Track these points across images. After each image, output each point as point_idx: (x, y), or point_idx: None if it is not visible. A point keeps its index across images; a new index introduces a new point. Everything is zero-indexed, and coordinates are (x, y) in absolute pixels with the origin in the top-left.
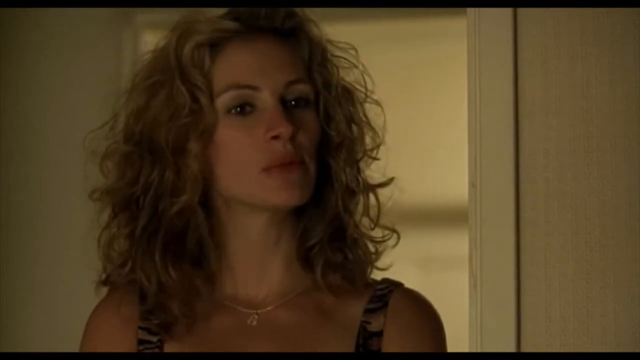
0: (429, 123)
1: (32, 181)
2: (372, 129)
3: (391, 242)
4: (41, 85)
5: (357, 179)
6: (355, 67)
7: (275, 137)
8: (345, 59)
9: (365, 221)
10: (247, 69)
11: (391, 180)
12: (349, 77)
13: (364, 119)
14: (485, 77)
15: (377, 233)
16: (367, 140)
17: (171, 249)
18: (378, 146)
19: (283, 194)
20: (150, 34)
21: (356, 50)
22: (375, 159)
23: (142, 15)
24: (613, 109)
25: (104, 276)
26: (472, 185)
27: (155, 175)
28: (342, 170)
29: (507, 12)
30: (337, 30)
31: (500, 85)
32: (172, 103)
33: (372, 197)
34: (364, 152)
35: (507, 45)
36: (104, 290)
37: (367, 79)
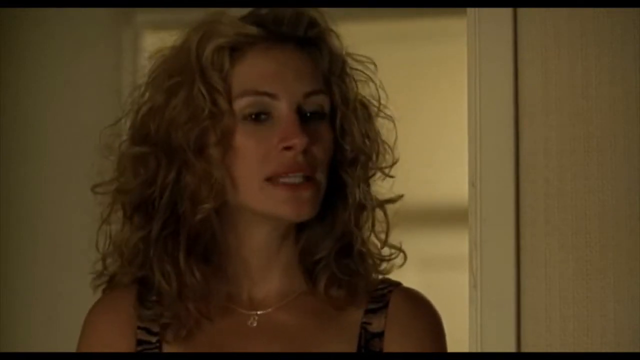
0: (429, 123)
1: (32, 181)
2: (387, 146)
3: (398, 261)
4: (41, 85)
5: (367, 195)
6: (372, 81)
7: (287, 148)
8: (362, 72)
9: (372, 237)
10: (267, 76)
11: (400, 197)
12: (365, 90)
13: (378, 135)
14: (485, 77)
15: (384, 250)
16: (380, 157)
17: (192, 251)
18: (392, 165)
19: (291, 208)
20: (150, 34)
21: (375, 65)
22: (389, 176)
23: (142, 15)
24: (613, 109)
25: (106, 274)
26: (472, 185)
27: (172, 177)
28: (357, 186)
29: (507, 12)
30: (338, 30)
31: (500, 85)
32: (191, 104)
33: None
34: (376, 169)
35: (507, 45)
36: (101, 287)
37: (382, 93)
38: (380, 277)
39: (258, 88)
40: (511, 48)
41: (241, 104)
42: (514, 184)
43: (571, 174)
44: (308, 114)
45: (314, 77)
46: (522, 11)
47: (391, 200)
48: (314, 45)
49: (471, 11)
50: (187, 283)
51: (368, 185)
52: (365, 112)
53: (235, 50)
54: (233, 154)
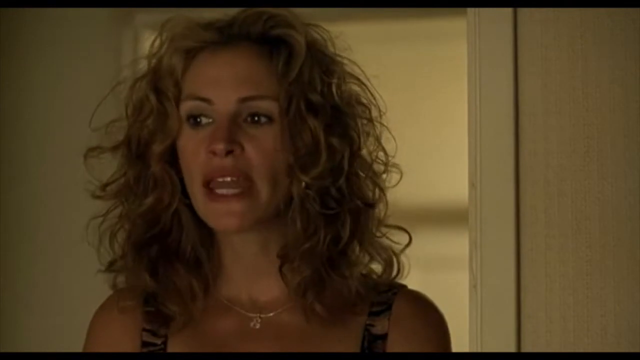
0: (429, 123)
1: (32, 181)
2: (355, 142)
3: (402, 271)
4: (41, 85)
5: (339, 200)
6: (361, 82)
7: (214, 153)
8: (352, 74)
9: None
10: (205, 81)
11: (376, 202)
12: (355, 90)
13: (355, 136)
14: (485, 77)
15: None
16: (328, 163)
17: (151, 251)
18: (338, 173)
19: (222, 221)
20: (150, 34)
21: (357, 65)
22: (336, 184)
23: (142, 15)
24: (613, 109)
25: (107, 262)
26: (472, 185)
27: (130, 176)
28: (306, 193)
29: (507, 12)
30: (338, 30)
31: (500, 85)
32: (144, 106)
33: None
34: (320, 180)
35: (507, 45)
36: (107, 277)
37: (370, 96)
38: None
39: (196, 93)
40: (511, 48)
41: (183, 108)
42: (514, 184)
43: (571, 174)
44: (251, 118)
45: (258, 81)
46: (522, 11)
47: (372, 204)
48: (274, 45)
49: (471, 11)
50: (167, 285)
51: (339, 190)
52: (327, 114)
53: (189, 54)
54: (180, 157)
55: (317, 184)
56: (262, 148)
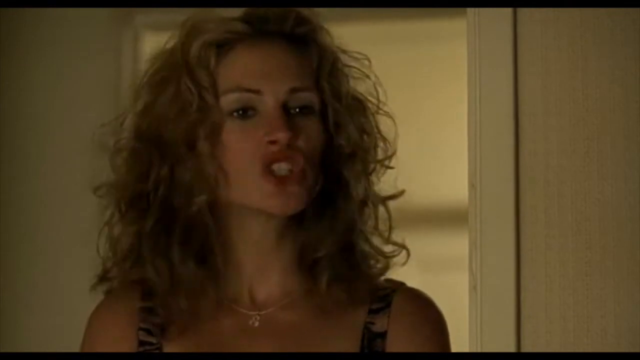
0: (429, 123)
1: (32, 181)
2: (384, 139)
3: (401, 259)
4: (41, 86)
5: (369, 191)
6: (368, 77)
7: (272, 142)
8: (357, 69)
9: (375, 234)
10: (251, 72)
11: (402, 192)
12: (361, 87)
13: (375, 129)
14: (485, 77)
15: (387, 247)
16: (379, 151)
17: (186, 245)
18: (391, 156)
19: (277, 202)
20: (150, 35)
21: (369, 61)
22: (389, 167)
23: (142, 15)
24: (613, 110)
25: (101, 272)
26: (472, 185)
27: (165, 172)
28: (358, 181)
29: (507, 12)
30: (338, 31)
31: (500, 85)
32: (180, 100)
33: (382, 209)
34: (375, 164)
35: (507, 45)
36: (99, 288)
37: (380, 90)
38: (384, 277)
39: (242, 85)
40: (511, 48)
41: (227, 101)
42: (514, 185)
43: (571, 174)
44: (297, 109)
45: (300, 74)
46: (522, 11)
47: (393, 197)
48: (302, 42)
49: (471, 11)
50: (180, 277)
51: (369, 181)
52: (360, 107)
53: (222, 46)
54: (222, 150)
55: (355, 175)
56: (310, 137)
